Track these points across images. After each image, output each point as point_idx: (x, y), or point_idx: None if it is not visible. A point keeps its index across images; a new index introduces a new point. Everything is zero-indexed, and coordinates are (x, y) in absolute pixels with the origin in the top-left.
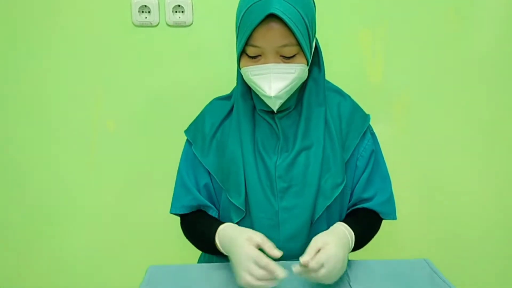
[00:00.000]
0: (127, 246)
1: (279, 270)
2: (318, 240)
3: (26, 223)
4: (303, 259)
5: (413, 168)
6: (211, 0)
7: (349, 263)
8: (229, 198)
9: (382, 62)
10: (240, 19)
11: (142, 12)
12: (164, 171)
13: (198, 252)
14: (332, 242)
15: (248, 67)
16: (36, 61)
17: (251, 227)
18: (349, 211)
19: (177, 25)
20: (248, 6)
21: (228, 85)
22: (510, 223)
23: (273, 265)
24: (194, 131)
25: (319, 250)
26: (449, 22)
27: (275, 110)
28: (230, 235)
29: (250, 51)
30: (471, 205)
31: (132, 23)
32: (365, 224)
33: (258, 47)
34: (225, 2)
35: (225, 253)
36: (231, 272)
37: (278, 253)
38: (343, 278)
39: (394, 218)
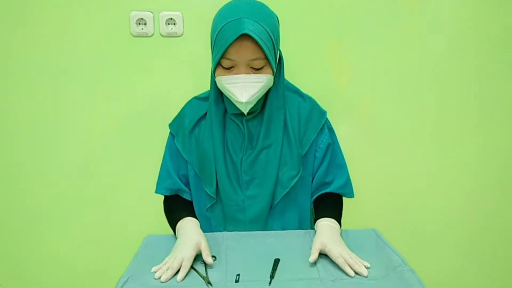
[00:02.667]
0: (126, 237)
1: (181, 276)
2: (316, 243)
3: (24, 221)
4: (311, 259)
5: (370, 158)
6: (200, 14)
7: (309, 232)
8: (204, 187)
9: (346, 70)
10: (215, 36)
11: (139, 24)
12: (157, 164)
13: None
14: (327, 241)
15: (222, 76)
16: (43, 64)
17: (222, 211)
18: (315, 195)
19: (170, 35)
20: (222, 25)
21: None
22: (449, 203)
23: (183, 273)
24: (176, 126)
25: (319, 250)
26: (404, 35)
27: (245, 113)
28: (186, 228)
29: (225, 63)
30: (417, 186)
31: (130, 34)
32: (335, 205)
33: (232, 60)
34: (212, 16)
35: (176, 235)
36: (219, 240)
37: (210, 261)
38: (305, 243)
39: (352, 196)
